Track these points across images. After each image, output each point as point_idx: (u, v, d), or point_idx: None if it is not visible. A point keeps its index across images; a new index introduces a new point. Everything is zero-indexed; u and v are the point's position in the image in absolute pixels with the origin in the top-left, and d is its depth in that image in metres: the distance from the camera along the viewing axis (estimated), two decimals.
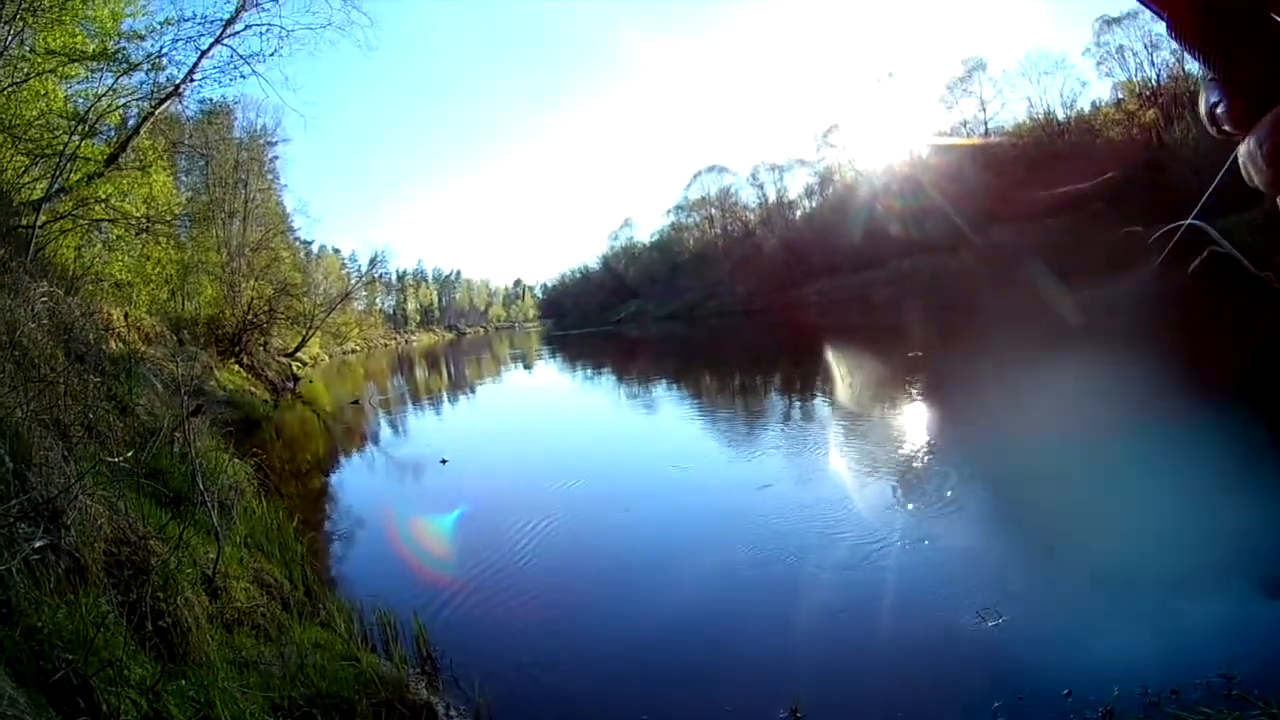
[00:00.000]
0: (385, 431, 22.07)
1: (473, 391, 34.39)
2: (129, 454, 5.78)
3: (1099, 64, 53.25)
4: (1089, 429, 6.87)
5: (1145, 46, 50.15)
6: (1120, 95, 52.50)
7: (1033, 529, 5.97)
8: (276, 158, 42.52)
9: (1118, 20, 50.60)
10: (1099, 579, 4.90)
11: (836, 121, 69.44)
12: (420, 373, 48.41)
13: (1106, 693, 4.13)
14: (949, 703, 4.47)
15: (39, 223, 11.61)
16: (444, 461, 14.42)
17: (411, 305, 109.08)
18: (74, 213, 14.30)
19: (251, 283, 31.34)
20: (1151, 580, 4.50)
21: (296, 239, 44.01)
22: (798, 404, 17.67)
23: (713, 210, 72.71)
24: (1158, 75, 50.43)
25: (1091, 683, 4.22)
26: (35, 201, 12.50)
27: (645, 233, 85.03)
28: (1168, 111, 47.31)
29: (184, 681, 3.27)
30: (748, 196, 70.37)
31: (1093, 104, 54.38)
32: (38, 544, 2.99)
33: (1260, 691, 3.82)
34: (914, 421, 12.70)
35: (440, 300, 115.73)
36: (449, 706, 5.39)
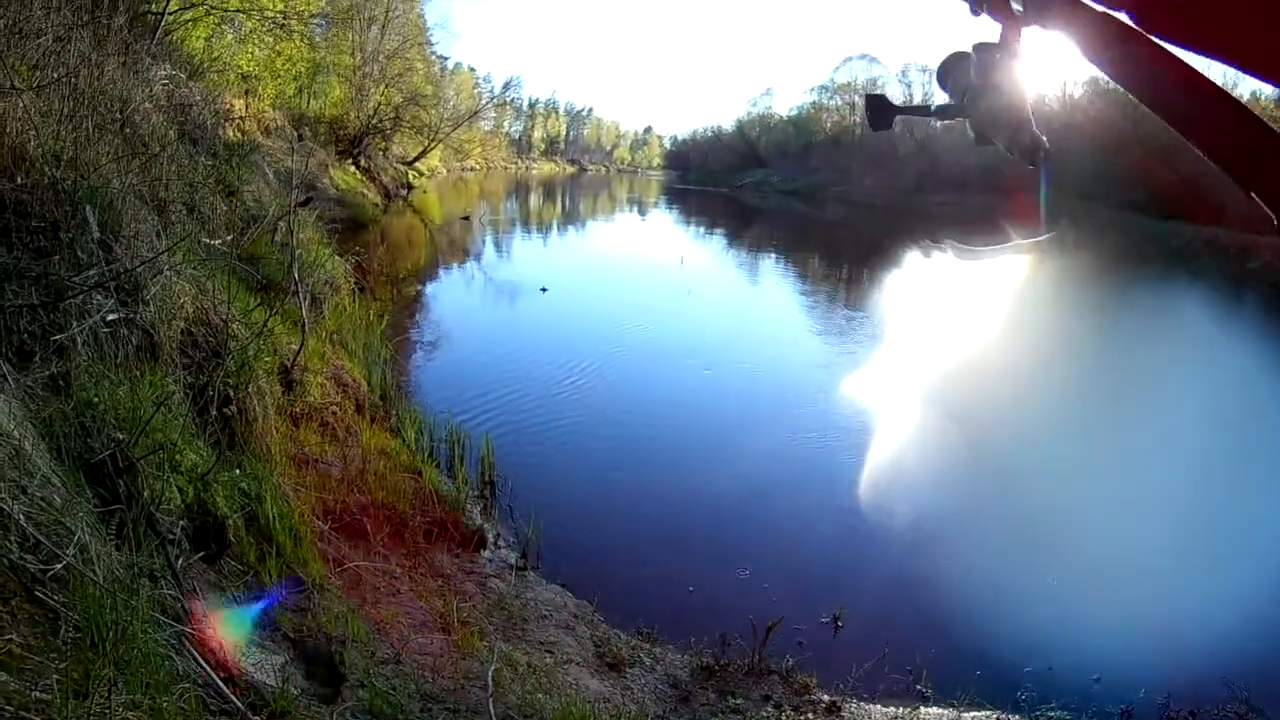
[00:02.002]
0: (490, 251, 22.28)
1: (583, 226, 34.32)
2: (228, 237, 5.84)
3: None
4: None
5: None
6: None
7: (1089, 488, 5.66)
8: None
9: None
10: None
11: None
12: (535, 200, 48.51)
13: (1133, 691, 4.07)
14: (979, 644, 4.38)
15: (169, 9, 11.40)
16: (544, 290, 14.55)
17: (538, 134, 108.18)
18: (207, 2, 14.14)
19: (381, 89, 31.46)
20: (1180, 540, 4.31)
21: (433, 53, 43.17)
22: (901, 306, 17.03)
23: (855, 98, 69.50)
24: None
25: (1126, 677, 4.14)
26: None
27: (784, 105, 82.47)
28: None
29: (238, 472, 3.31)
30: (893, 93, 67.02)
31: (1252, 94, 48.85)
32: (110, 316, 2.97)
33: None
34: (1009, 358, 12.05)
35: (567, 134, 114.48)
36: (498, 536, 5.44)
